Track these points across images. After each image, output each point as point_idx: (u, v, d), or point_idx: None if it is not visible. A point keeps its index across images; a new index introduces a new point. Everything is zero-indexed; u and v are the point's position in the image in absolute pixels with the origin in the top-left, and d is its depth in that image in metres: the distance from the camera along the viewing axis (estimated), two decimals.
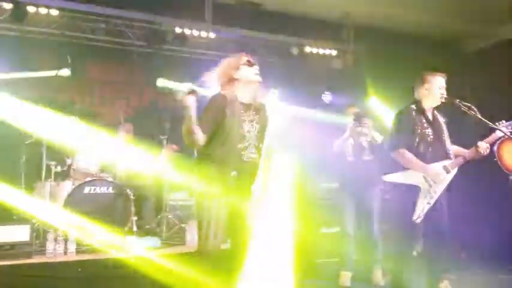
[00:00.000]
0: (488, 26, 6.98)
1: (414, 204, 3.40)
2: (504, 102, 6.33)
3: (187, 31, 6.38)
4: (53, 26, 6.06)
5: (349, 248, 4.34)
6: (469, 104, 3.44)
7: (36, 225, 4.67)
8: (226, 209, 2.84)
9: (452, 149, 3.55)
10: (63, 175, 5.36)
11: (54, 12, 5.80)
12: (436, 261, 3.51)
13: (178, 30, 6.37)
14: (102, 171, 5.35)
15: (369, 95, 7.03)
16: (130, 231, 5.01)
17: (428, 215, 3.40)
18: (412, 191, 3.43)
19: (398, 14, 6.64)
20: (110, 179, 5.16)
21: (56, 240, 4.39)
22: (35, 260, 4.20)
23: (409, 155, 3.41)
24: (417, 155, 3.42)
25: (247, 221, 2.94)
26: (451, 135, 3.58)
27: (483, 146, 3.43)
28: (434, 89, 3.50)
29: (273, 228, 3.95)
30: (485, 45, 7.38)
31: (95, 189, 4.97)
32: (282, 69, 6.85)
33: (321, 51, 7.13)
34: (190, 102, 2.69)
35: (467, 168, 3.58)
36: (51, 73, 6.23)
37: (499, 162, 4.96)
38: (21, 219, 4.75)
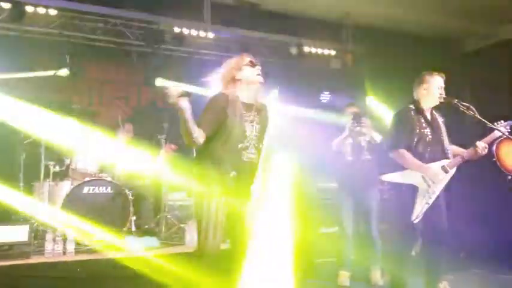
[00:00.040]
0: (488, 26, 6.99)
1: (413, 204, 3.41)
2: (503, 102, 6.35)
3: (185, 31, 6.37)
4: (51, 25, 6.06)
5: (348, 248, 4.35)
6: (467, 104, 3.45)
7: (34, 225, 4.66)
8: (225, 209, 2.83)
9: (451, 148, 3.55)
10: (62, 175, 5.35)
11: (53, 12, 5.79)
12: (434, 261, 3.52)
13: (176, 30, 6.37)
14: (100, 171, 5.34)
15: (367, 94, 7.04)
16: (129, 231, 5.02)
17: (426, 215, 3.40)
18: (411, 191, 3.43)
19: (397, 14, 6.64)
20: (109, 179, 5.15)
21: (54, 240, 4.38)
22: (34, 260, 4.20)
23: (408, 155, 3.42)
24: (416, 154, 3.42)
25: (247, 221, 2.93)
26: (449, 135, 3.58)
27: (481, 146, 3.43)
28: (432, 89, 3.51)
29: (272, 228, 3.95)
30: (484, 45, 7.39)
31: (93, 189, 4.96)
32: (281, 69, 6.85)
33: (320, 51, 7.12)
34: (184, 104, 2.65)
35: (466, 168, 3.59)
36: (50, 73, 6.21)
37: (497, 163, 4.96)
38: (19, 220, 4.76)
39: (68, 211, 4.70)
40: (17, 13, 5.61)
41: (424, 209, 3.39)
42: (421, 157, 3.42)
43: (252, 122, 2.94)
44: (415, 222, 3.38)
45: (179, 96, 2.62)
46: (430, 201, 3.40)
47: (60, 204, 4.81)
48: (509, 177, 5.06)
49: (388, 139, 3.68)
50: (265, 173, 3.03)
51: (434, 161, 3.43)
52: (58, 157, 5.29)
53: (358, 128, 4.27)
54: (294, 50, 6.95)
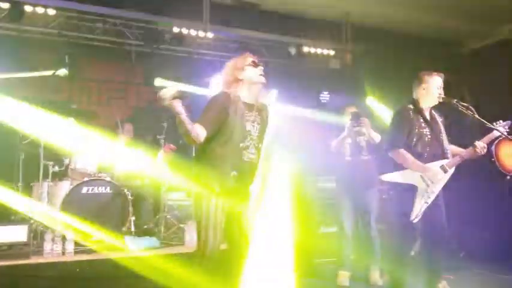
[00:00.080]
0: (488, 26, 6.99)
1: (412, 204, 3.41)
2: (502, 102, 6.35)
3: (185, 31, 6.36)
4: (50, 25, 6.05)
5: (347, 248, 4.34)
6: (466, 104, 3.45)
7: (33, 225, 4.65)
8: (225, 209, 2.83)
9: (450, 148, 3.55)
10: (61, 175, 5.35)
11: (52, 11, 5.78)
12: (434, 261, 3.52)
13: (176, 30, 6.36)
14: (100, 171, 5.34)
15: (367, 94, 7.04)
16: (128, 231, 5.01)
17: (426, 215, 3.40)
18: (410, 191, 3.43)
19: (397, 14, 6.64)
20: (108, 179, 5.14)
21: (53, 240, 4.38)
22: (33, 260, 4.19)
23: (407, 155, 3.42)
24: (415, 154, 3.43)
25: (246, 221, 2.93)
26: (448, 135, 3.58)
27: (480, 146, 3.44)
28: (432, 89, 3.51)
29: (271, 228, 3.95)
30: (484, 45, 7.39)
31: (92, 189, 4.95)
32: (280, 69, 6.85)
33: (319, 51, 7.12)
34: (177, 107, 2.61)
35: (465, 168, 3.59)
36: (49, 73, 6.22)
37: (496, 163, 4.97)
38: (19, 220, 4.74)
39: (67, 211, 4.69)
40: (16, 13, 5.59)
41: (423, 209, 3.40)
42: (420, 157, 3.42)
43: (253, 121, 2.94)
44: (414, 221, 3.39)
45: (172, 99, 2.58)
46: (429, 201, 3.40)
47: (59, 205, 4.80)
48: (508, 177, 5.07)
49: (387, 139, 3.69)
50: (265, 173, 3.03)
51: (433, 160, 3.43)
52: (57, 157, 5.28)
53: (357, 128, 4.27)
54: (293, 50, 6.95)
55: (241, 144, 2.87)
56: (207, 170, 2.84)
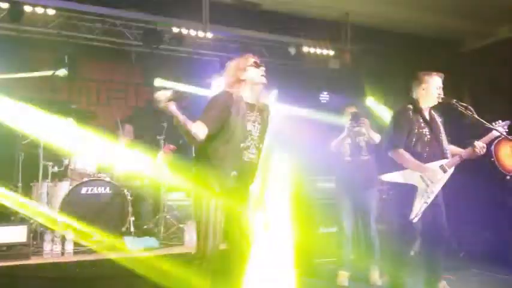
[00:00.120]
0: (487, 25, 6.99)
1: (411, 204, 3.41)
2: (501, 102, 6.35)
3: (184, 31, 6.36)
4: (49, 25, 6.05)
5: (347, 248, 4.34)
6: (465, 104, 3.45)
7: (33, 226, 4.65)
8: (225, 209, 2.83)
9: (449, 148, 3.55)
10: (61, 175, 5.34)
11: (51, 11, 5.77)
12: (433, 261, 3.52)
13: (175, 30, 6.36)
14: (99, 171, 5.33)
15: (366, 95, 7.04)
16: (128, 232, 5.00)
17: (425, 215, 3.40)
18: (410, 191, 3.43)
19: (397, 14, 6.64)
20: (108, 180, 5.14)
21: (53, 241, 4.38)
22: (33, 261, 4.19)
23: (407, 155, 3.42)
24: (414, 154, 3.43)
25: (246, 221, 2.93)
26: (448, 135, 3.59)
27: (480, 146, 3.44)
28: (431, 89, 3.51)
29: (271, 228, 3.95)
30: (484, 45, 7.39)
31: (92, 190, 4.95)
32: (280, 69, 6.85)
33: (319, 51, 7.12)
34: (173, 109, 2.61)
35: (465, 168, 3.59)
36: (48, 73, 6.22)
37: (496, 162, 4.97)
38: (18, 220, 4.75)
39: (67, 212, 4.68)
40: (15, 13, 5.59)
41: (423, 208, 3.40)
42: (419, 157, 3.42)
43: (254, 122, 2.95)
44: (414, 221, 3.39)
45: (168, 101, 2.58)
46: (429, 201, 3.41)
47: (59, 205, 4.80)
48: (508, 177, 5.07)
49: (386, 139, 3.69)
50: (265, 173, 3.03)
51: (432, 160, 3.43)
52: (57, 157, 5.27)
53: (357, 128, 4.27)
54: (293, 50, 6.95)
55: (241, 144, 2.88)
56: (206, 170, 2.84)
